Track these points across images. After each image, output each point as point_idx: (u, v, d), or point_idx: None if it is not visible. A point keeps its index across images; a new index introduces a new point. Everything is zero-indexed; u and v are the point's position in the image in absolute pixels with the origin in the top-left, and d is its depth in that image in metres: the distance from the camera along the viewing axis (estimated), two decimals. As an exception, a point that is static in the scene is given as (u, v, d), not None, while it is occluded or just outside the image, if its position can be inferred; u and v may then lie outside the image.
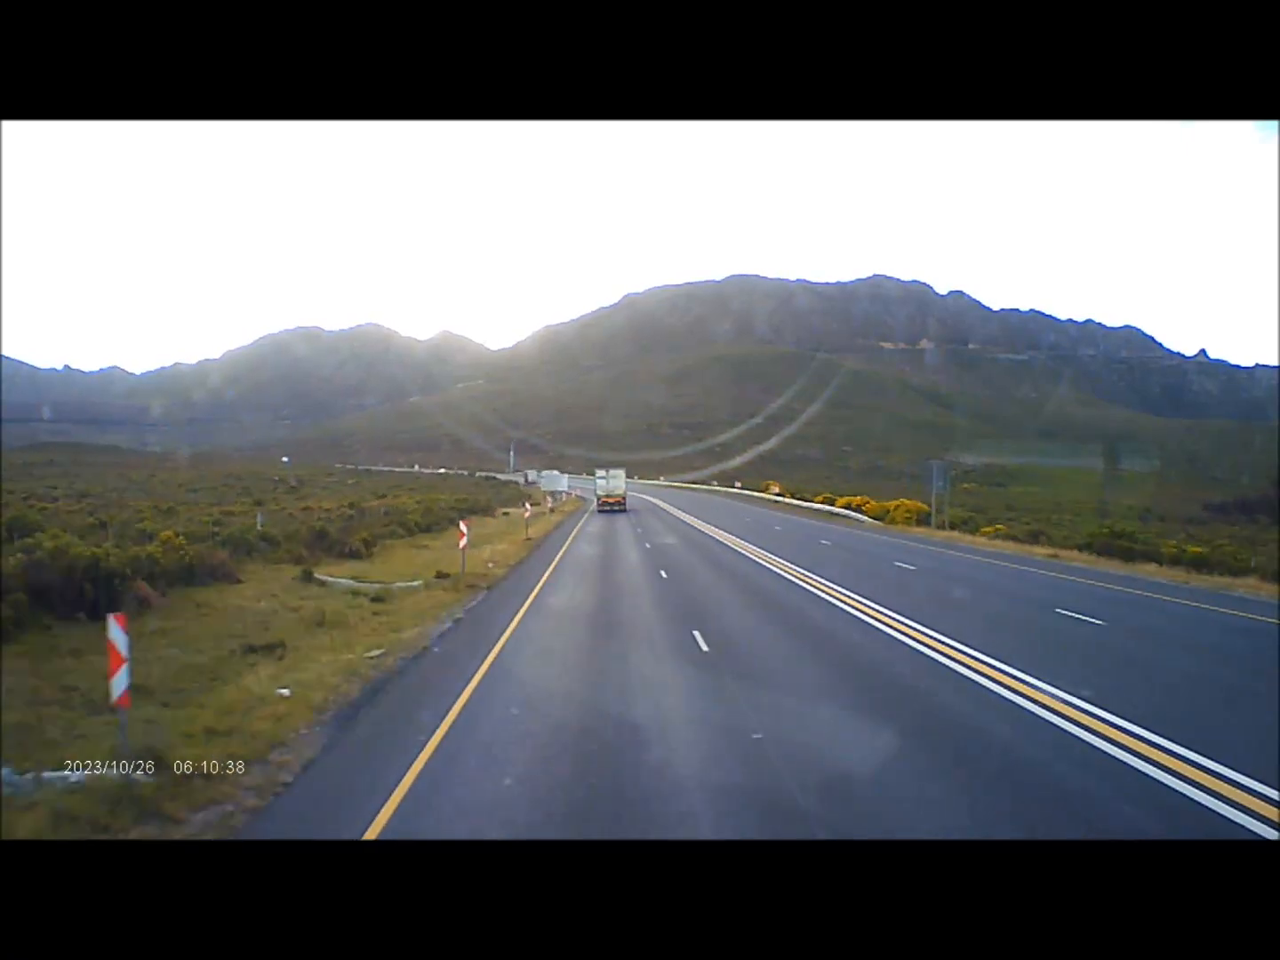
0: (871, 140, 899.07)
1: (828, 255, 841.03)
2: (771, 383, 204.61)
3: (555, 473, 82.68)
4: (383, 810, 6.56)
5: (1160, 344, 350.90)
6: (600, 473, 58.19)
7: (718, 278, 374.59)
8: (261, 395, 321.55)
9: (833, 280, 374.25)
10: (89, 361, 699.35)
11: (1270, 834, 6.09)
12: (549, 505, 57.69)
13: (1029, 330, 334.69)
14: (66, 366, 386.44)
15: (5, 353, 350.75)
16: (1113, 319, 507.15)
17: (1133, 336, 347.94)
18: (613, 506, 54.41)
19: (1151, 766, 7.62)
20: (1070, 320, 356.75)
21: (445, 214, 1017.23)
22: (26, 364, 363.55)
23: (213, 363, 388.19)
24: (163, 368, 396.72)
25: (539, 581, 21.00)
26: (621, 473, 57.45)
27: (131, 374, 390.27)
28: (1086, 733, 8.60)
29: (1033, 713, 9.38)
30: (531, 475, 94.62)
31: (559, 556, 27.70)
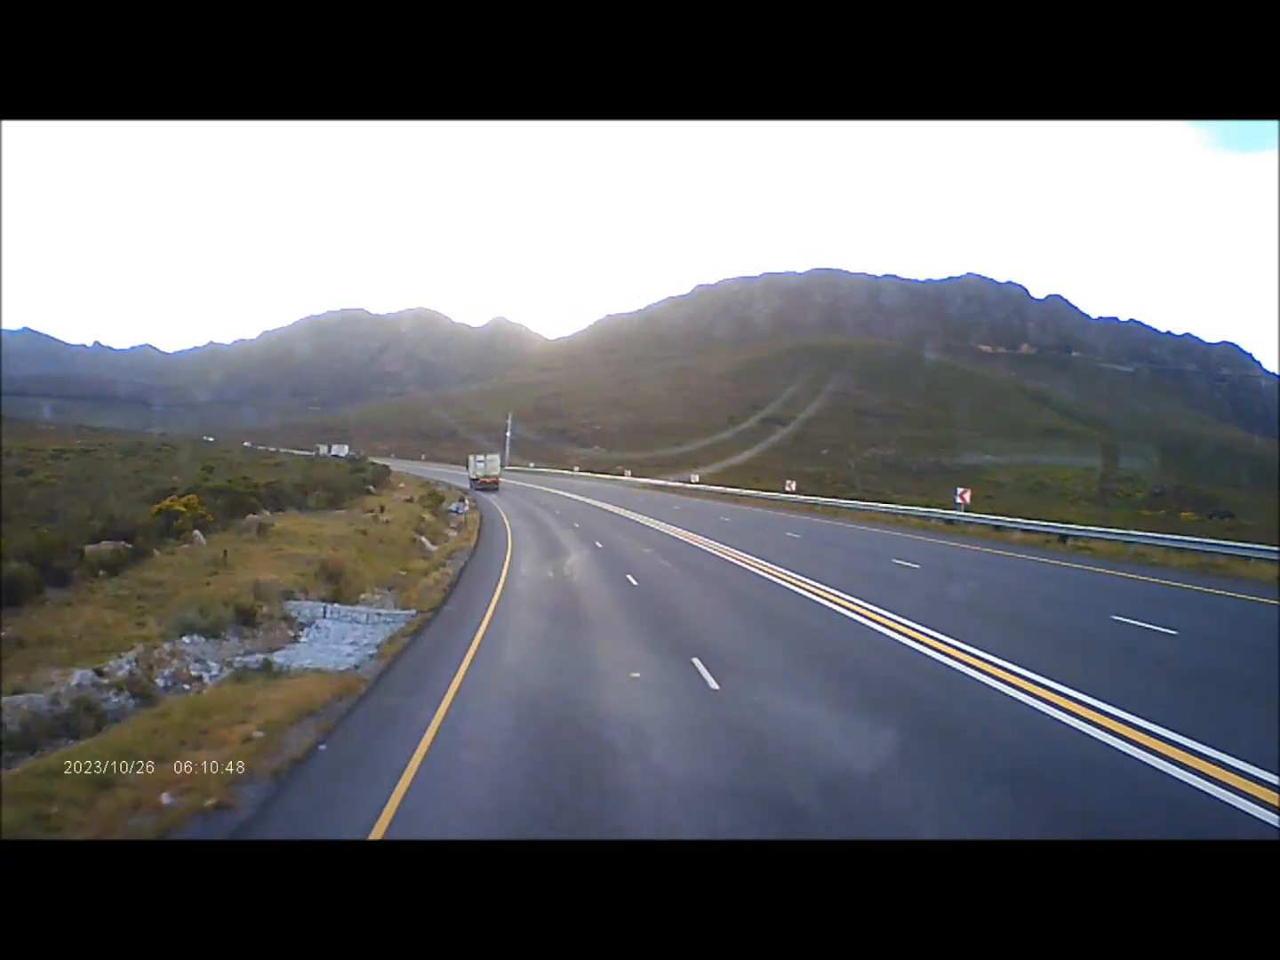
0: (958, 135, 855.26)
1: (916, 251, 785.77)
2: (869, 378, 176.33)
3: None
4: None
5: (1259, 363, 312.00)
6: (479, 458, 68.86)
7: (800, 269, 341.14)
8: (295, 379, 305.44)
9: (923, 278, 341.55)
10: (121, 339, 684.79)
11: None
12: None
13: (1129, 340, 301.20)
14: (96, 343, 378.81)
15: (31, 327, 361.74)
16: (1210, 334, 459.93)
17: (1232, 353, 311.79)
18: (487, 486, 65.14)
19: None
20: (1169, 333, 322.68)
21: (509, 201, 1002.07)
22: (53, 339, 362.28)
23: (249, 343, 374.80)
24: (196, 347, 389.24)
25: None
26: (496, 458, 70.89)
27: (164, 353, 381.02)
28: None
29: None
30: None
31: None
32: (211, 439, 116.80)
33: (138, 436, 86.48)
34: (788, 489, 57.26)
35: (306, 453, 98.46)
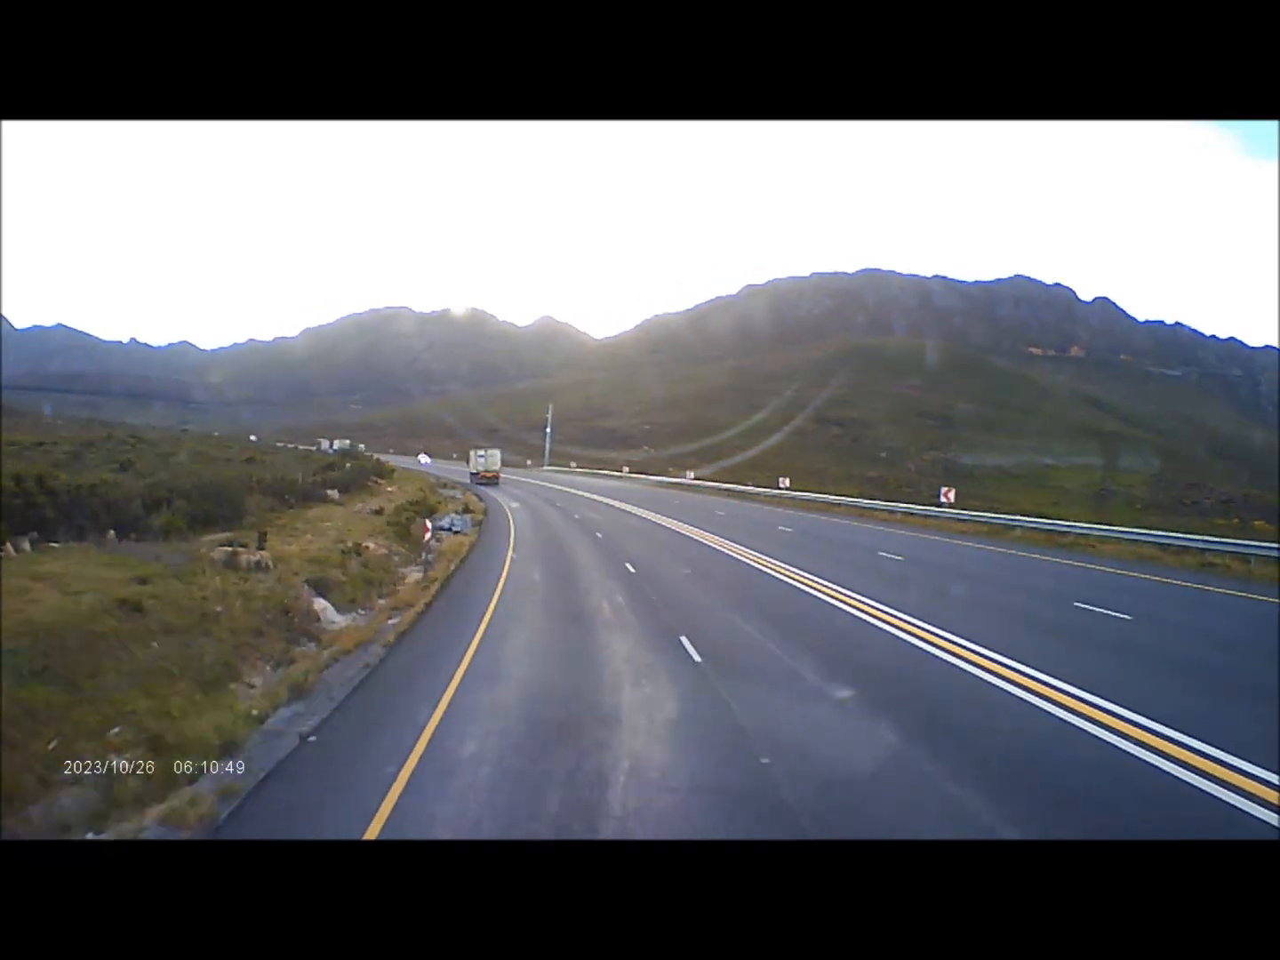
0: (1006, 136, 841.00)
1: (965, 252, 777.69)
2: (922, 380, 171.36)
3: None
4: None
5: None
6: (480, 453, 73.45)
7: (849, 270, 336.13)
8: (337, 377, 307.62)
9: (972, 279, 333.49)
10: (158, 336, 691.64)
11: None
12: None
13: (1177, 344, 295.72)
14: (133, 339, 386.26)
15: (66, 323, 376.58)
16: (1254, 338, 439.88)
17: (1276, 358, 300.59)
18: (487, 480, 68.12)
19: None
20: (1213, 337, 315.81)
21: (559, 200, 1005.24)
22: (89, 335, 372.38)
23: (290, 340, 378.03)
24: (236, 344, 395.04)
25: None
26: (497, 453, 74.05)
27: (201, 350, 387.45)
28: None
29: None
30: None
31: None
32: (255, 437, 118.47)
33: (109, 429, 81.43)
34: (944, 498, 43.00)
35: (310, 448, 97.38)
